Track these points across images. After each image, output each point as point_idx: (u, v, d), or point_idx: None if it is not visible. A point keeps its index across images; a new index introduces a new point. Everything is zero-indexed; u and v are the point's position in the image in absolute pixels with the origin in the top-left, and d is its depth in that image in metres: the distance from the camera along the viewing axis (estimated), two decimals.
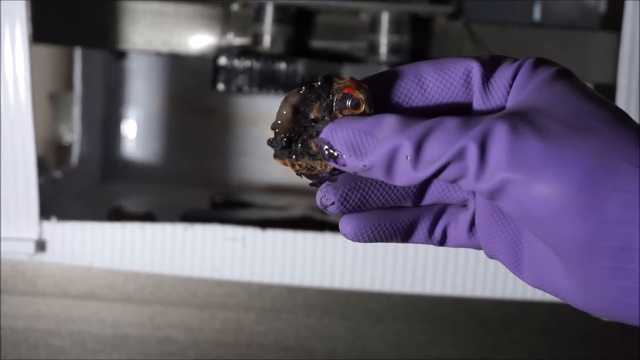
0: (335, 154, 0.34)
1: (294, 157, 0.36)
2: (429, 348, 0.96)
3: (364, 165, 0.34)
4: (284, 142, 0.35)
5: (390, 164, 0.34)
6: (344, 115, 0.34)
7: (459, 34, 0.97)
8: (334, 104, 0.34)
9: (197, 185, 1.29)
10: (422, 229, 0.38)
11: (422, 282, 0.89)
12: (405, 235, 0.38)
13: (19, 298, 0.94)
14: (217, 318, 0.95)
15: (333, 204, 0.36)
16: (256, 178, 1.29)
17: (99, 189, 1.25)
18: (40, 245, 0.87)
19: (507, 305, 0.95)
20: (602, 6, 1.08)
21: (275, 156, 0.36)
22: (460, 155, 0.32)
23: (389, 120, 0.34)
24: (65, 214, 0.91)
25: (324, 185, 0.36)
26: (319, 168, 0.36)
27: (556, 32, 0.98)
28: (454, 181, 0.33)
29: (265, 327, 0.95)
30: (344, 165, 0.35)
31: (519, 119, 0.32)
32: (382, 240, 0.38)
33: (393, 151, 0.33)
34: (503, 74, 0.35)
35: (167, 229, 0.88)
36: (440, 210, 0.39)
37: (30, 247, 0.86)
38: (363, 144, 0.34)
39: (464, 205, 0.38)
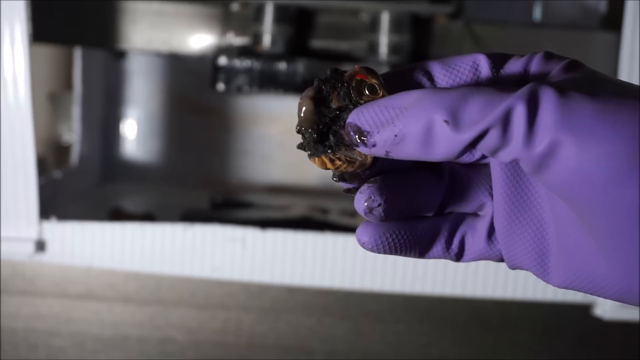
0: (364, 135, 0.32)
1: (329, 151, 0.33)
2: (429, 348, 0.96)
3: (395, 136, 0.32)
4: (314, 137, 0.33)
5: (426, 131, 0.31)
6: (364, 102, 0.33)
7: (459, 34, 0.97)
8: (352, 91, 0.33)
9: (197, 185, 1.29)
10: (440, 241, 0.36)
11: (422, 283, 0.89)
12: (423, 247, 0.36)
13: (18, 298, 0.94)
14: (217, 318, 0.95)
15: (380, 205, 0.34)
16: (256, 178, 1.29)
17: (99, 189, 1.25)
18: (40, 246, 0.87)
19: (507, 305, 0.95)
20: (603, 6, 1.08)
21: (311, 155, 0.34)
22: (506, 116, 0.30)
23: (416, 93, 0.32)
24: (65, 214, 0.90)
25: (364, 187, 0.34)
26: (359, 159, 0.33)
27: (556, 32, 0.98)
28: (494, 151, 0.31)
29: (265, 328, 0.95)
30: (374, 146, 0.32)
31: (564, 84, 0.30)
32: (400, 251, 0.35)
33: (427, 117, 0.31)
34: (513, 66, 0.34)
35: (167, 229, 0.88)
36: (456, 220, 0.37)
37: (30, 247, 0.86)
38: (391, 116, 0.32)
39: (477, 214, 0.37)
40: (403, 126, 0.31)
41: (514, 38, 0.98)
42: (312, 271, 0.88)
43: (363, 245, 0.35)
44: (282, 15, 0.97)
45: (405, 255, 0.36)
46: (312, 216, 1.05)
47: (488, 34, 0.98)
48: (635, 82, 0.87)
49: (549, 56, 0.34)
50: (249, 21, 0.98)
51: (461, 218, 0.37)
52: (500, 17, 1.12)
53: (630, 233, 0.30)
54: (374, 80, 0.33)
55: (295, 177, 1.28)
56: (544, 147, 0.29)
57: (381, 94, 0.33)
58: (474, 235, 0.36)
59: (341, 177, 0.34)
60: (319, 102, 0.33)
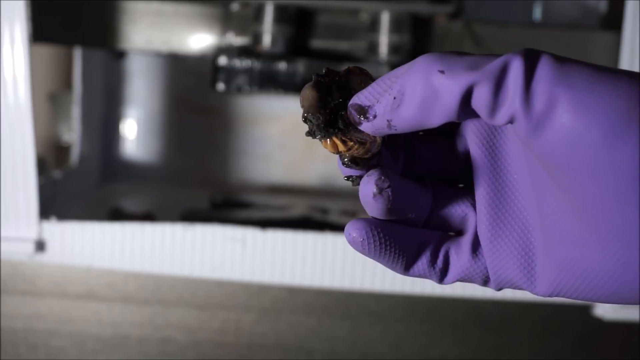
0: (366, 110, 0.32)
1: (340, 134, 0.34)
2: (429, 348, 0.96)
3: (394, 98, 0.31)
4: (324, 119, 0.33)
5: (423, 86, 0.30)
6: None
7: (459, 34, 0.97)
8: (349, 83, 0.34)
9: (197, 185, 1.29)
10: (425, 254, 0.36)
11: (422, 283, 0.89)
12: (409, 257, 0.35)
13: (18, 298, 0.94)
14: (217, 318, 0.95)
15: (389, 187, 0.33)
16: (256, 178, 1.29)
17: (99, 189, 1.25)
18: (40, 246, 0.87)
19: (508, 305, 0.95)
20: (603, 6, 1.08)
21: (323, 137, 0.34)
22: (502, 69, 0.29)
23: (410, 62, 0.32)
24: (65, 214, 0.90)
25: (371, 170, 0.34)
26: (369, 140, 0.34)
27: (556, 32, 0.98)
28: (490, 110, 0.30)
29: (265, 328, 0.94)
30: (375, 117, 0.32)
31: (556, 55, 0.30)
32: (386, 253, 0.35)
33: (423, 71, 0.31)
34: None
35: (167, 229, 0.88)
36: (441, 237, 0.36)
37: (30, 247, 0.86)
38: (388, 84, 0.32)
39: (461, 233, 0.36)
40: (400, 87, 0.31)
41: (514, 38, 0.98)
42: (312, 271, 0.88)
43: (353, 239, 0.34)
44: (282, 15, 0.97)
45: (390, 262, 0.35)
46: (312, 216, 1.05)
47: (488, 34, 0.97)
48: None
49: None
50: (249, 21, 0.98)
51: (445, 236, 0.36)
52: (500, 17, 1.12)
53: (625, 194, 0.29)
54: (367, 78, 0.34)
55: (295, 177, 1.28)
56: (542, 103, 0.29)
57: None
58: (458, 251, 0.36)
59: (353, 160, 0.34)
60: (321, 90, 0.34)
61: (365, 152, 0.34)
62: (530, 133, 0.30)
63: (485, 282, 0.36)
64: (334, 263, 0.88)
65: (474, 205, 0.36)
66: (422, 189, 0.35)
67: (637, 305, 0.86)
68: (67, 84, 1.25)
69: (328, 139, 0.34)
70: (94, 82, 1.23)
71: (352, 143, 0.34)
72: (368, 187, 0.33)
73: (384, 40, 0.96)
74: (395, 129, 0.32)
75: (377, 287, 0.89)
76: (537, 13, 1.13)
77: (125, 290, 0.94)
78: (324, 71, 0.34)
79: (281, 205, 1.13)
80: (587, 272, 0.32)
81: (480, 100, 0.30)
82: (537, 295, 0.34)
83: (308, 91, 0.34)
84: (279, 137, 1.28)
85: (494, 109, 0.30)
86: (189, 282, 0.94)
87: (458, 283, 0.89)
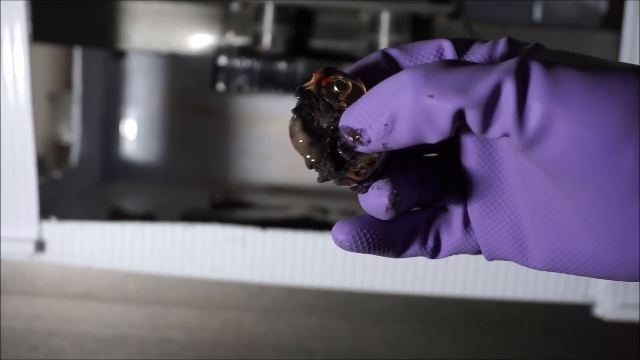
0: (359, 134, 0.31)
1: (351, 168, 0.33)
2: (429, 348, 0.96)
3: (386, 125, 0.31)
4: (329, 166, 0.33)
5: (414, 112, 0.30)
6: (345, 102, 0.33)
7: (459, 34, 0.97)
8: (328, 100, 0.33)
9: (197, 185, 1.29)
10: (416, 238, 0.36)
11: (422, 283, 0.89)
12: (399, 245, 0.35)
13: (18, 298, 0.94)
14: (217, 318, 0.95)
15: (401, 200, 0.33)
16: (256, 178, 1.29)
17: (99, 189, 1.25)
18: (40, 246, 0.87)
19: (508, 305, 0.95)
20: (603, 6, 1.08)
21: (338, 182, 0.33)
22: (495, 90, 0.29)
23: (395, 77, 0.31)
24: (65, 214, 0.90)
25: (381, 182, 0.33)
26: (375, 155, 0.33)
27: (556, 32, 0.98)
28: (482, 127, 0.30)
29: (265, 328, 0.94)
30: (370, 142, 0.31)
31: (546, 58, 0.30)
32: (377, 249, 0.35)
33: (411, 96, 0.30)
34: (477, 51, 0.33)
35: (167, 229, 0.88)
36: (429, 216, 0.36)
37: (30, 247, 0.86)
38: (377, 106, 0.31)
39: (448, 208, 0.36)
40: (390, 114, 0.31)
41: (514, 38, 0.98)
42: (312, 271, 0.88)
43: (340, 243, 0.34)
44: (282, 15, 0.97)
45: (382, 254, 0.35)
46: (312, 216, 1.05)
47: (488, 34, 0.97)
48: None
49: (512, 41, 0.34)
50: (249, 21, 0.98)
51: (433, 214, 0.36)
52: (500, 17, 1.12)
53: (625, 203, 0.29)
54: (338, 77, 0.33)
55: (295, 177, 1.28)
56: (536, 121, 0.29)
57: (350, 84, 0.33)
58: (449, 228, 0.36)
59: (368, 179, 0.34)
60: (310, 131, 0.33)
61: (375, 170, 0.33)
62: (524, 149, 0.30)
63: (477, 253, 0.36)
64: (334, 263, 0.88)
65: (461, 187, 0.36)
66: (412, 182, 0.35)
67: (637, 305, 0.86)
68: (67, 84, 1.25)
69: (342, 180, 0.33)
70: (94, 82, 1.23)
71: (364, 171, 0.33)
72: (381, 200, 0.33)
73: (384, 40, 0.96)
74: (392, 149, 0.32)
75: (377, 287, 0.89)
76: (537, 13, 1.13)
77: (125, 290, 0.94)
78: (297, 96, 0.33)
79: (281, 205, 1.13)
80: (581, 259, 0.32)
81: (471, 121, 0.30)
82: (531, 268, 0.35)
83: (298, 137, 0.33)
84: (279, 137, 1.28)
85: (485, 128, 0.30)
86: (189, 282, 0.94)
87: (458, 283, 0.89)
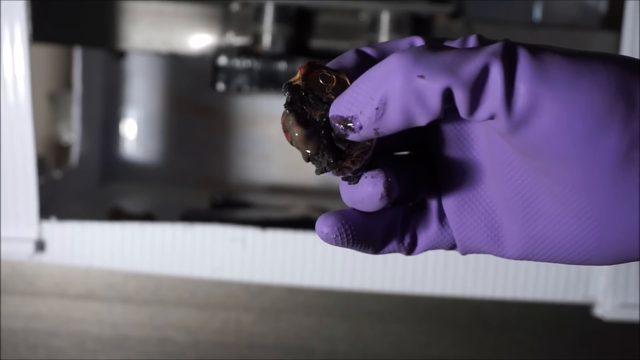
0: (350, 122, 0.32)
1: (348, 158, 0.33)
2: (429, 348, 0.96)
3: (377, 109, 0.31)
4: (327, 157, 0.33)
5: (404, 94, 0.30)
6: (332, 92, 0.33)
7: (459, 34, 0.97)
8: (316, 92, 0.33)
9: (197, 185, 1.29)
10: (394, 239, 0.36)
11: (422, 282, 0.89)
12: (379, 239, 0.35)
13: (18, 298, 0.94)
14: (217, 318, 0.95)
15: (394, 188, 0.34)
16: (256, 178, 1.29)
17: (99, 189, 1.25)
18: (40, 246, 0.87)
19: (508, 305, 0.95)
20: (603, 6, 1.08)
21: (337, 173, 0.33)
22: (482, 72, 0.29)
23: (383, 63, 0.31)
24: (65, 214, 0.90)
25: (375, 172, 0.34)
26: (368, 144, 0.33)
27: (556, 32, 0.98)
28: (469, 109, 0.30)
29: (265, 328, 0.94)
30: (362, 128, 0.32)
31: (527, 45, 0.31)
32: (359, 243, 0.35)
33: (401, 78, 0.30)
34: (451, 45, 0.34)
35: (167, 229, 0.88)
36: (405, 212, 0.37)
37: (30, 247, 0.86)
38: (367, 92, 0.31)
39: (422, 205, 0.37)
40: (381, 97, 0.31)
41: (514, 38, 0.98)
42: (312, 271, 0.88)
43: (325, 236, 0.34)
44: (282, 15, 0.97)
45: (362, 248, 0.35)
46: (312, 216, 1.05)
47: (488, 34, 0.97)
48: None
49: (482, 38, 0.34)
50: (249, 21, 0.98)
51: (409, 211, 0.37)
52: (500, 17, 1.12)
53: (609, 181, 0.30)
54: (322, 70, 0.34)
55: (295, 177, 1.28)
56: (524, 102, 0.29)
57: (334, 77, 0.33)
58: (424, 224, 0.36)
59: (363, 168, 0.34)
60: (305, 124, 0.33)
61: (367, 160, 0.34)
62: (510, 131, 0.30)
63: (451, 249, 0.37)
64: (334, 263, 0.88)
65: (434, 182, 0.36)
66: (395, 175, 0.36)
67: (637, 305, 0.86)
68: (67, 84, 1.25)
69: (341, 170, 0.33)
70: (94, 82, 1.23)
71: (359, 159, 0.33)
72: (376, 189, 0.33)
73: (384, 40, 0.96)
74: (383, 134, 0.32)
75: (377, 287, 0.89)
76: (537, 13, 1.13)
77: (125, 290, 0.94)
78: (285, 92, 0.34)
79: (281, 205, 1.13)
80: (559, 242, 0.33)
81: (460, 101, 0.30)
82: (506, 257, 0.35)
83: (293, 131, 0.33)
84: (279, 137, 1.28)
85: (473, 109, 0.30)
86: (189, 282, 0.94)
87: (458, 283, 0.89)
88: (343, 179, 0.35)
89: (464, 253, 0.37)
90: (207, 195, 1.18)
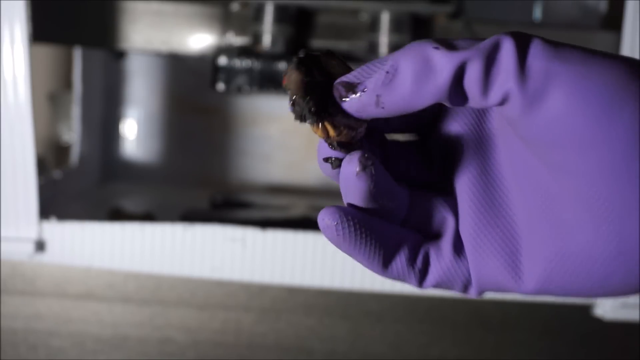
0: (354, 86, 0.31)
1: (329, 118, 0.32)
2: (429, 348, 0.96)
3: (387, 72, 0.30)
4: (312, 104, 0.32)
5: (417, 61, 0.30)
6: (341, 72, 0.33)
7: (459, 34, 0.97)
8: (328, 67, 0.33)
9: (197, 185, 1.29)
10: (404, 249, 0.34)
11: None
12: (387, 252, 0.34)
13: (18, 298, 0.94)
14: (217, 318, 0.95)
15: (373, 164, 0.32)
16: (256, 178, 1.29)
17: (99, 189, 1.25)
18: (40, 246, 0.87)
19: (508, 305, 0.95)
20: (603, 6, 1.08)
21: (314, 121, 0.32)
22: (494, 47, 0.29)
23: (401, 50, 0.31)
24: (64, 214, 0.90)
25: (354, 151, 0.33)
26: (357, 127, 0.33)
27: (556, 32, 0.98)
28: (483, 88, 0.29)
29: (265, 328, 0.94)
30: (365, 90, 0.31)
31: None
32: (361, 244, 0.33)
33: (417, 48, 0.30)
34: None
35: (167, 229, 0.88)
36: (419, 239, 0.35)
37: (30, 247, 0.86)
38: (379, 62, 0.31)
39: (439, 235, 0.35)
40: (393, 62, 0.30)
41: None
42: (312, 271, 0.88)
43: (325, 226, 0.33)
44: (282, 15, 0.97)
45: (367, 254, 0.33)
46: (312, 216, 1.05)
47: (488, 34, 0.97)
48: None
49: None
50: (249, 21, 0.98)
51: (424, 239, 0.35)
52: (500, 17, 1.12)
53: (621, 170, 0.29)
54: (343, 63, 0.34)
55: (295, 177, 1.28)
56: (538, 78, 0.29)
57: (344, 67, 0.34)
58: (438, 252, 0.35)
59: (340, 143, 0.33)
60: (306, 73, 0.33)
61: (352, 138, 0.33)
62: (524, 109, 0.29)
63: (466, 288, 0.35)
64: (334, 263, 0.88)
65: (451, 208, 0.35)
66: (400, 185, 0.35)
67: (637, 305, 0.86)
68: (67, 84, 1.25)
69: (320, 124, 0.32)
70: (94, 82, 1.23)
71: (342, 128, 0.33)
72: (351, 166, 0.32)
73: (384, 40, 0.96)
74: (383, 108, 0.31)
75: (377, 287, 0.89)
76: (537, 13, 1.13)
77: (125, 290, 0.94)
78: (302, 55, 0.33)
79: (281, 205, 1.13)
80: (579, 258, 0.31)
81: (473, 77, 0.29)
82: (523, 293, 0.33)
83: (293, 72, 0.33)
84: (279, 137, 1.28)
85: (487, 86, 0.30)
86: (189, 282, 0.94)
87: None
88: (324, 160, 0.34)
89: (479, 290, 0.34)
90: (207, 195, 1.18)
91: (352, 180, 0.32)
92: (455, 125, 0.35)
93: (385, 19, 0.96)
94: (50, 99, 1.26)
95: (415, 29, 0.97)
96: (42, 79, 1.25)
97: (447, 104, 0.31)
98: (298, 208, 1.10)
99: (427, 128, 0.37)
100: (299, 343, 0.95)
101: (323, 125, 0.32)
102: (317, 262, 0.88)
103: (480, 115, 0.35)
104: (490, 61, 0.29)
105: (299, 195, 1.22)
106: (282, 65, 0.96)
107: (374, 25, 0.97)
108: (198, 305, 0.94)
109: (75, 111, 1.18)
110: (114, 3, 0.97)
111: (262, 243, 0.88)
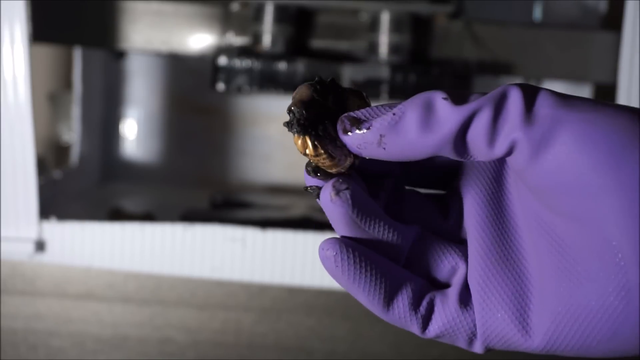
0: (359, 122, 0.31)
1: (313, 133, 0.32)
2: (429, 348, 0.96)
3: (394, 114, 0.30)
4: (303, 116, 0.32)
5: (425, 108, 0.30)
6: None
7: (459, 34, 0.97)
8: (347, 102, 0.33)
9: (197, 185, 1.29)
10: (406, 290, 0.33)
11: None
12: (389, 291, 0.33)
13: (18, 298, 0.94)
14: (217, 318, 0.95)
15: (347, 188, 0.32)
16: (256, 178, 1.29)
17: (99, 189, 1.25)
18: (40, 246, 0.87)
19: None
20: (603, 6, 1.08)
21: (298, 132, 0.32)
22: (501, 96, 0.29)
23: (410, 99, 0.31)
24: (64, 214, 0.90)
25: (332, 179, 0.32)
26: (338, 157, 0.32)
27: (557, 32, 0.98)
28: (489, 136, 0.29)
29: (265, 328, 0.94)
30: (369, 128, 0.31)
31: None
32: (361, 278, 0.32)
33: (425, 96, 0.30)
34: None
35: (167, 229, 0.88)
36: (425, 285, 0.34)
37: (30, 247, 0.86)
38: (389, 105, 0.31)
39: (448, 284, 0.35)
40: (402, 106, 0.31)
41: (514, 38, 0.98)
42: (312, 271, 0.88)
43: (325, 256, 0.32)
44: (282, 15, 0.97)
45: (368, 290, 0.33)
46: (312, 216, 1.05)
47: (488, 34, 0.97)
48: (635, 82, 0.87)
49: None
50: (249, 21, 0.98)
51: (430, 286, 0.34)
52: (500, 17, 1.12)
53: (629, 217, 0.28)
54: (366, 104, 0.33)
55: (295, 177, 1.28)
56: (544, 125, 0.29)
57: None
58: (444, 300, 0.34)
59: (315, 168, 0.33)
60: (317, 92, 0.33)
61: (331, 167, 0.33)
62: (531, 156, 0.29)
63: (470, 342, 0.34)
64: None
65: (463, 257, 0.34)
66: (401, 224, 0.34)
67: None
68: (67, 84, 1.25)
69: (301, 136, 0.32)
70: (94, 82, 1.23)
71: (322, 151, 0.32)
72: (326, 191, 0.32)
73: (384, 40, 0.96)
74: (384, 149, 0.31)
75: None
76: (537, 13, 1.13)
77: (125, 290, 0.94)
78: (329, 79, 0.34)
79: (281, 205, 1.13)
80: (586, 311, 0.30)
81: (480, 127, 0.29)
82: (531, 349, 0.32)
83: (304, 88, 0.33)
84: (279, 137, 1.28)
85: (494, 136, 0.29)
86: (189, 282, 0.94)
87: None
88: (304, 189, 0.34)
89: (484, 345, 0.33)
90: (207, 195, 1.18)
91: (329, 206, 0.32)
92: (473, 179, 0.35)
93: (385, 19, 0.96)
94: (50, 99, 1.26)
95: (415, 29, 0.97)
96: (42, 79, 1.25)
97: (451, 156, 0.31)
98: (298, 208, 1.10)
99: (445, 182, 0.37)
100: (299, 343, 0.95)
101: (304, 139, 0.32)
102: (317, 262, 0.88)
103: (498, 169, 0.35)
104: (497, 111, 0.29)
105: (299, 195, 1.22)
106: (282, 65, 0.96)
107: (374, 25, 0.97)
108: (198, 305, 0.94)
109: (75, 111, 1.18)
110: (114, 3, 0.97)
111: (262, 243, 0.88)
